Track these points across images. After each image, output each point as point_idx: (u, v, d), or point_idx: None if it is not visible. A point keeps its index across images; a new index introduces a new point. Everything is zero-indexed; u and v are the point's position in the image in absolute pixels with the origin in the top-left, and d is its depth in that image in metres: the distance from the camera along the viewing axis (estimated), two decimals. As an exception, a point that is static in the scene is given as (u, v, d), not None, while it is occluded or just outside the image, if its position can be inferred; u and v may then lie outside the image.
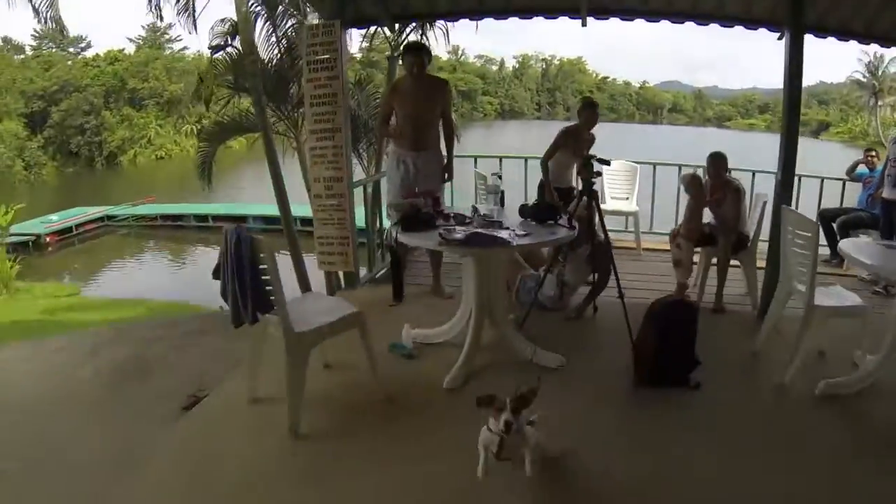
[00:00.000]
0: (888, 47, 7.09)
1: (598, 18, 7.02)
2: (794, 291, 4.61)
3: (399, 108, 5.64)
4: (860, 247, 4.96)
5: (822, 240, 6.58)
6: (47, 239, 20.78)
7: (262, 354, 4.08)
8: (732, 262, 5.91)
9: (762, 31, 6.37)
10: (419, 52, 5.67)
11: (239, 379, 4.38)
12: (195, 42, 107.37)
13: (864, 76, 54.38)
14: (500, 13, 7.07)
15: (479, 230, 4.24)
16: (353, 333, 4.07)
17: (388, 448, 3.65)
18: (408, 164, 5.62)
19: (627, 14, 7.00)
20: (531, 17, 7.09)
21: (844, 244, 4.88)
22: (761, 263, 5.80)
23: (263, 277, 3.59)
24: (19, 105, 42.05)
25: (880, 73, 52.38)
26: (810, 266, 4.32)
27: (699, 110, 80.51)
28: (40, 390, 5.68)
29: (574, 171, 6.21)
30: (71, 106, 42.97)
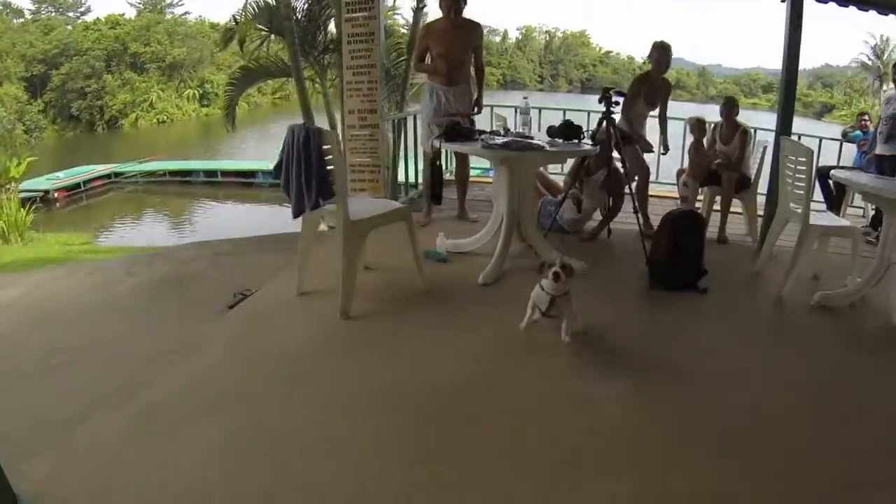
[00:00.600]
0: (885, 14, 7.46)
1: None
2: (790, 216, 5.08)
3: (434, 47, 5.93)
4: (857, 174, 5.55)
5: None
6: (56, 195, 20.78)
7: (311, 251, 4.46)
8: (735, 203, 6.42)
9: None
10: None
11: (283, 280, 4.74)
12: (197, 6, 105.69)
13: (870, 58, 54.57)
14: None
15: (517, 138, 4.71)
16: (393, 238, 4.47)
17: (432, 323, 4.09)
18: (440, 96, 5.93)
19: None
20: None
21: (842, 173, 5.40)
22: (760, 210, 6.31)
23: (328, 168, 3.97)
24: (19, 69, 41.97)
25: (885, 56, 52.58)
26: (805, 187, 4.84)
27: (702, 87, 79.68)
28: (82, 301, 5.93)
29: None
30: (72, 69, 42.90)
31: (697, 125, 6.49)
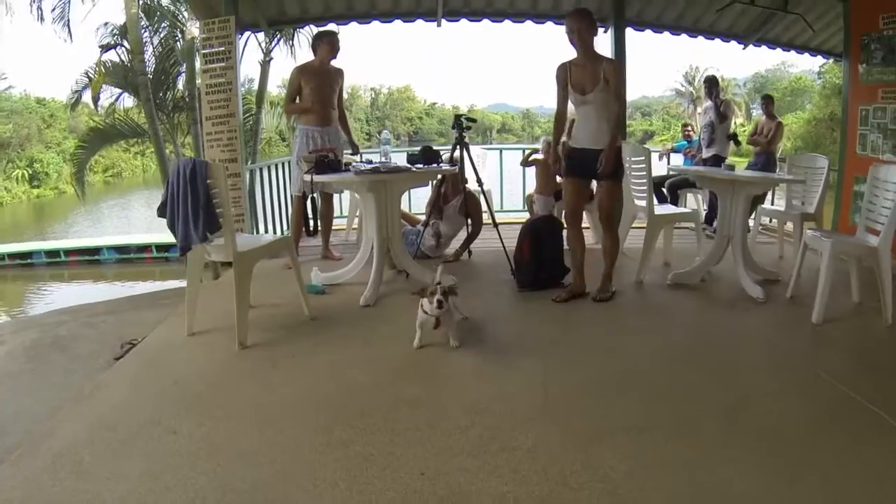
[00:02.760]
0: (694, 37, 8.47)
1: (449, 20, 8.05)
2: (637, 211, 5.89)
3: (306, 85, 6.17)
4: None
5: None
6: None
7: (198, 290, 4.62)
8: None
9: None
10: (336, 36, 6.32)
11: (170, 326, 4.81)
12: (20, 81, 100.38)
13: (683, 85, 58.95)
14: (364, 18, 7.98)
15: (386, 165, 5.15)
16: (268, 280, 4.96)
17: (326, 342, 4.34)
18: (315, 138, 6.18)
19: (475, 15, 8.09)
20: (392, 21, 8.05)
21: (677, 169, 6.97)
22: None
23: (214, 201, 4.14)
24: None
25: (696, 82, 56.85)
26: (647, 184, 5.67)
27: (527, 129, 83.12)
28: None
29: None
30: None
31: (547, 145, 7.12)
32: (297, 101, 6.23)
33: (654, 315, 4.98)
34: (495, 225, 6.10)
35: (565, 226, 5.39)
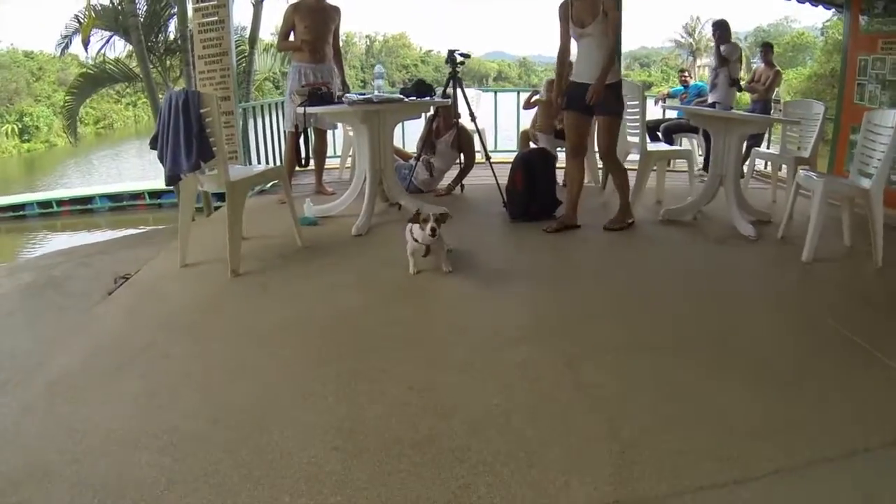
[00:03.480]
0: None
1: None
2: (630, 148, 5.95)
3: (300, 23, 6.11)
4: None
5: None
6: None
7: (190, 220, 4.66)
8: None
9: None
10: None
11: (163, 259, 4.80)
12: (6, 35, 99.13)
13: (683, 37, 58.63)
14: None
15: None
16: (261, 213, 5.00)
17: (319, 268, 4.38)
18: (307, 74, 6.12)
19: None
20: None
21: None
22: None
23: (207, 130, 4.12)
24: None
25: (697, 33, 56.54)
26: (641, 120, 5.76)
27: (524, 77, 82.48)
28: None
29: None
30: None
31: (549, 85, 7.06)
32: (292, 38, 6.19)
33: (646, 247, 5.01)
34: (488, 159, 6.10)
35: (568, 156, 5.38)
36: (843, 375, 2.95)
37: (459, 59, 5.86)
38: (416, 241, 4.04)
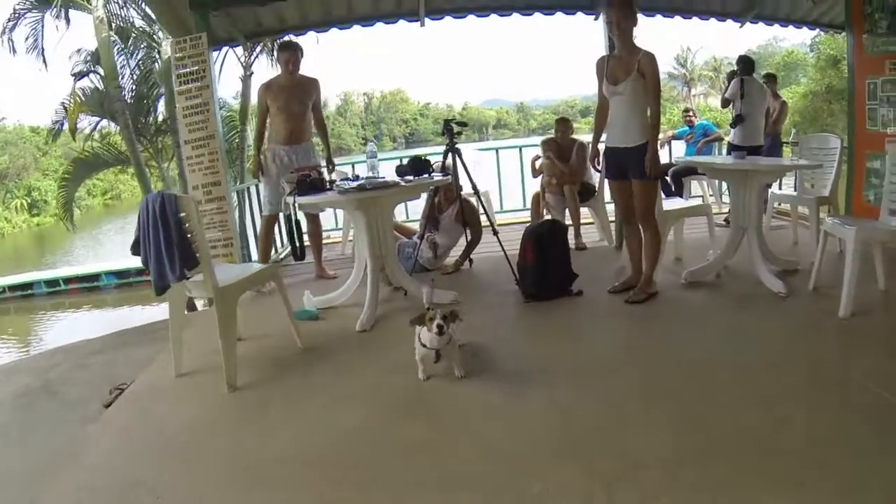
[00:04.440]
0: (688, 18, 8.15)
1: (433, 19, 7.75)
2: None
3: (272, 104, 5.91)
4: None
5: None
6: None
7: (182, 329, 4.32)
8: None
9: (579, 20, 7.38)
10: (294, 49, 6.01)
11: (158, 367, 4.52)
12: (12, 112, 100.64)
13: (675, 68, 58.71)
14: (343, 23, 7.67)
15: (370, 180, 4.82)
16: (258, 309, 4.60)
17: (321, 378, 4.01)
18: (282, 157, 5.92)
19: (458, 12, 7.79)
20: (373, 24, 7.76)
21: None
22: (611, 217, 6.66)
23: (188, 236, 3.84)
24: None
25: (689, 63, 56.72)
26: None
27: (523, 122, 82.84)
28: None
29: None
30: None
31: (548, 143, 6.95)
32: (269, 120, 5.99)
33: (672, 320, 4.64)
34: (495, 232, 5.72)
35: (622, 225, 5.28)
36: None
37: (456, 129, 5.55)
38: (424, 346, 3.68)
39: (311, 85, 6.08)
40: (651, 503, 2.49)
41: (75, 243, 30.76)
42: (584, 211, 7.11)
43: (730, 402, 3.27)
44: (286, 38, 6.57)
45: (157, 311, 4.17)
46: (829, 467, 2.62)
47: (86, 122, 11.74)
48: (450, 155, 5.52)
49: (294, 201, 4.77)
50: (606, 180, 5.18)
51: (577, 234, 6.81)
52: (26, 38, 10.71)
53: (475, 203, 6.28)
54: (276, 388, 3.93)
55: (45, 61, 10.85)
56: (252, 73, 9.82)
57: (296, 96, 5.92)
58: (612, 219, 6.48)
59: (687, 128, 9.23)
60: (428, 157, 5.32)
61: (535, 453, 2.92)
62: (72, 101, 10.86)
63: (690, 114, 9.61)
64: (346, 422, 3.40)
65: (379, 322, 4.85)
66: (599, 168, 5.12)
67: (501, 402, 3.48)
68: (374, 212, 4.86)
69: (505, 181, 9.20)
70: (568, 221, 6.65)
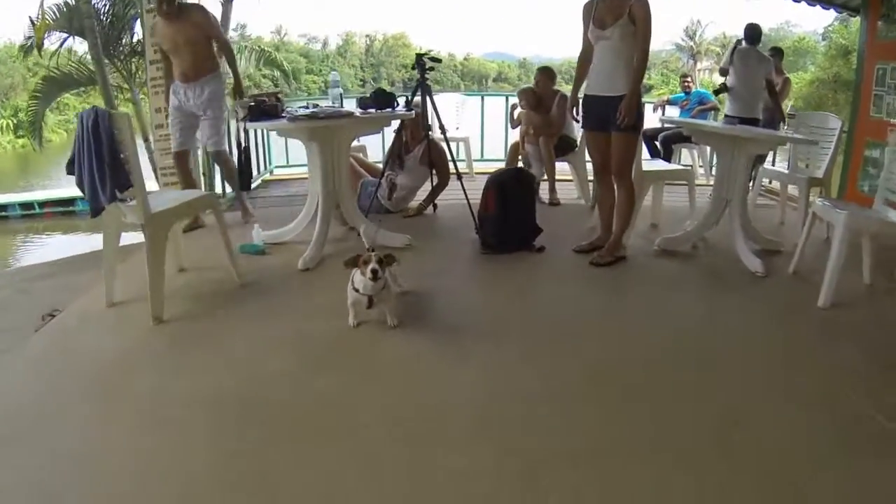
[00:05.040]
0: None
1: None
2: None
3: (162, 45, 5.36)
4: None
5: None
6: None
7: (117, 255, 4.06)
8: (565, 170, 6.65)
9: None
10: None
11: (95, 294, 4.23)
12: (3, 30, 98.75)
13: (683, 39, 58.12)
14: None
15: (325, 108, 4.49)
16: (210, 237, 4.27)
17: (250, 315, 3.75)
18: (180, 94, 5.39)
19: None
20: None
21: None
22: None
23: (122, 156, 3.53)
24: None
25: (698, 37, 56.08)
26: None
27: (523, 77, 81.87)
28: None
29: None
30: None
31: (525, 93, 6.60)
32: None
33: (637, 291, 4.32)
34: (459, 177, 5.45)
35: (595, 178, 4.90)
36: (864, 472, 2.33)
37: (429, 63, 5.20)
38: (356, 290, 3.37)
39: (198, 13, 5.35)
40: (571, 498, 2.19)
41: (57, 167, 30.29)
42: (564, 166, 6.81)
43: (685, 389, 2.94)
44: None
45: (127, 238, 3.92)
46: (783, 477, 2.30)
47: (56, 38, 11.24)
48: (419, 91, 5.19)
49: (244, 127, 4.52)
50: (584, 132, 4.85)
51: (552, 189, 6.52)
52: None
53: (444, 146, 5.89)
54: (203, 325, 3.67)
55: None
56: (233, -2, 9.30)
57: (181, 34, 5.22)
58: (592, 177, 6.19)
59: (683, 94, 8.88)
60: (392, 92, 4.96)
61: (453, 422, 2.63)
62: (40, 14, 10.35)
63: (688, 80, 9.25)
64: (265, 366, 3.13)
65: (325, 261, 4.55)
66: (578, 118, 4.75)
67: (431, 360, 3.18)
68: (329, 142, 4.55)
69: (488, 129, 8.90)
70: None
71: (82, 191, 3.75)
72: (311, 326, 3.55)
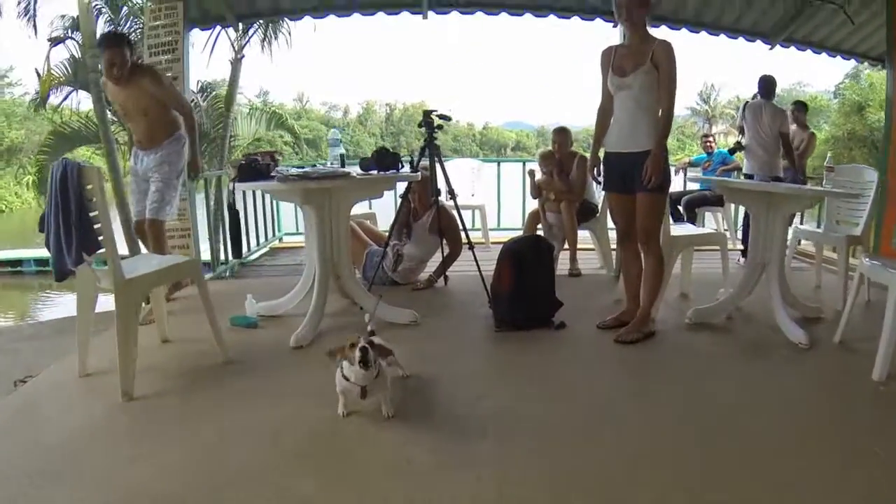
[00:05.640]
0: (715, 35, 7.51)
1: (438, 13, 7.13)
2: None
3: (115, 107, 5.05)
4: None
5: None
6: None
7: (89, 322, 3.71)
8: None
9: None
10: (118, 44, 4.65)
11: (68, 362, 3.91)
12: (35, 86, 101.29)
13: (698, 104, 58.18)
14: (343, 10, 7.04)
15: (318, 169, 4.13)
16: (199, 307, 3.81)
17: (228, 397, 3.33)
18: (138, 160, 4.92)
19: (467, 7, 7.17)
20: (373, 14, 7.11)
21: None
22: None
23: (91, 214, 3.24)
24: None
25: (712, 100, 56.14)
26: None
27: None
28: None
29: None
30: None
31: (546, 158, 6.24)
32: None
33: (669, 369, 3.81)
34: (471, 246, 5.09)
35: (619, 245, 4.45)
36: None
37: (437, 122, 4.86)
38: (346, 379, 2.93)
39: (145, 77, 4.73)
40: None
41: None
42: (584, 234, 6.39)
43: (728, 483, 2.47)
44: (105, 32, 5.59)
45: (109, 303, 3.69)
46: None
47: (63, 93, 11.17)
48: (426, 151, 4.87)
49: (233, 188, 4.18)
50: (604, 194, 4.46)
51: (573, 258, 6.09)
52: (17, 3, 10.22)
53: (455, 213, 5.52)
54: (175, 405, 3.28)
55: (35, 27, 10.31)
56: (243, 56, 9.28)
57: (131, 100, 4.75)
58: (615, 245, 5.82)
59: (705, 154, 8.51)
60: (397, 152, 4.59)
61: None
62: (45, 67, 10.20)
63: (710, 140, 8.89)
64: (232, 461, 2.68)
65: (320, 338, 4.14)
66: (600, 179, 4.34)
67: (427, 461, 2.66)
68: (325, 207, 4.20)
69: (505, 196, 8.60)
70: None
71: (49, 251, 3.43)
72: (294, 414, 3.11)
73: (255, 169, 4.12)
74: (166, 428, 3.01)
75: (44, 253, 19.40)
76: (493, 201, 8.41)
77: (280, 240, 8.43)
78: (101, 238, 3.26)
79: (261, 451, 2.76)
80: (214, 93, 11.77)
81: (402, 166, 4.52)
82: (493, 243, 7.26)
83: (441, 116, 4.91)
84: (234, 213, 4.50)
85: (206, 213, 6.54)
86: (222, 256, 6.58)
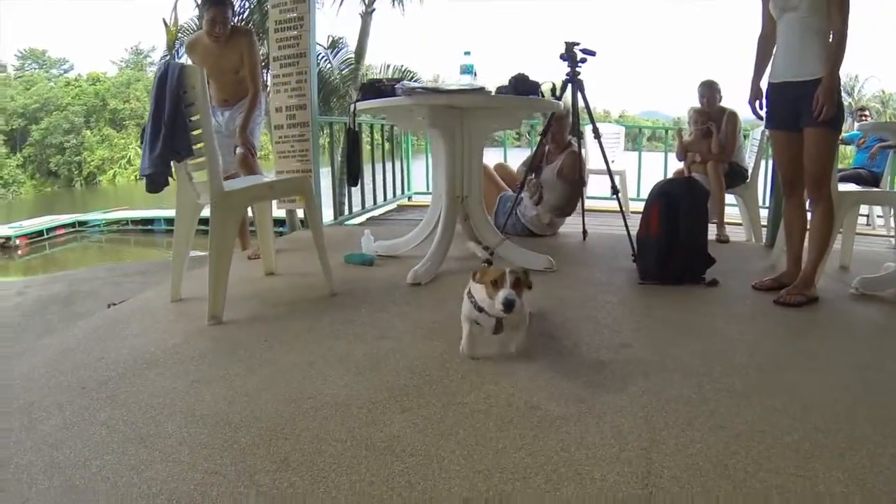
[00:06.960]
0: None
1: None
2: None
3: (200, 65, 4.70)
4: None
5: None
6: (17, 241, 20.55)
7: (188, 242, 3.51)
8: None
9: None
10: (223, 4, 4.79)
11: (164, 287, 3.68)
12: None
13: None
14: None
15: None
16: (304, 243, 3.66)
17: (332, 331, 2.92)
18: (217, 118, 4.92)
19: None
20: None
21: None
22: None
23: (190, 119, 2.95)
24: (-1, 122, 41.59)
25: (856, 93, 53.30)
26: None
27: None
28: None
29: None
30: (51, 124, 42.68)
31: (700, 112, 5.66)
32: None
33: (838, 336, 3.09)
34: (615, 191, 4.61)
35: (785, 196, 3.76)
36: None
37: (580, 55, 4.32)
38: (480, 310, 2.41)
39: (242, 40, 4.86)
40: None
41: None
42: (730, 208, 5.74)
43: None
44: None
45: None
46: None
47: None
48: (568, 88, 4.34)
49: (354, 109, 3.87)
50: (768, 132, 3.80)
51: (721, 224, 5.39)
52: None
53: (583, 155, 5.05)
54: (266, 332, 2.93)
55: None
56: (374, 9, 9.06)
57: (224, 58, 4.82)
58: (764, 222, 5.33)
59: (858, 132, 7.59)
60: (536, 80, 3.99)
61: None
62: (173, 16, 10.36)
63: (866, 113, 7.99)
64: (318, 390, 2.27)
65: (440, 279, 3.71)
66: (762, 113, 3.66)
67: (555, 410, 2.13)
68: (457, 131, 3.76)
69: (646, 166, 8.14)
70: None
71: (143, 161, 3.16)
72: (399, 349, 2.66)
73: (377, 88, 3.76)
74: (251, 353, 2.67)
75: (169, 213, 20.81)
76: (634, 168, 8.06)
77: (409, 198, 8.24)
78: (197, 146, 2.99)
79: (354, 382, 2.33)
80: (345, 49, 11.68)
81: (542, 96, 3.99)
82: (632, 213, 6.69)
83: (584, 51, 4.36)
84: (353, 136, 4.13)
85: (332, 166, 6.26)
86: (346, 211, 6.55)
